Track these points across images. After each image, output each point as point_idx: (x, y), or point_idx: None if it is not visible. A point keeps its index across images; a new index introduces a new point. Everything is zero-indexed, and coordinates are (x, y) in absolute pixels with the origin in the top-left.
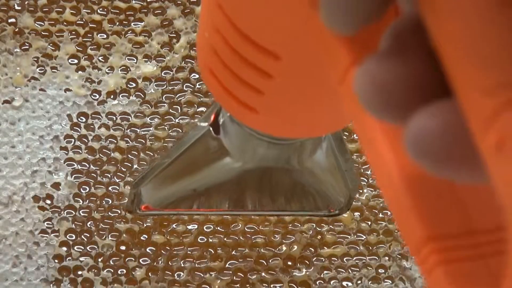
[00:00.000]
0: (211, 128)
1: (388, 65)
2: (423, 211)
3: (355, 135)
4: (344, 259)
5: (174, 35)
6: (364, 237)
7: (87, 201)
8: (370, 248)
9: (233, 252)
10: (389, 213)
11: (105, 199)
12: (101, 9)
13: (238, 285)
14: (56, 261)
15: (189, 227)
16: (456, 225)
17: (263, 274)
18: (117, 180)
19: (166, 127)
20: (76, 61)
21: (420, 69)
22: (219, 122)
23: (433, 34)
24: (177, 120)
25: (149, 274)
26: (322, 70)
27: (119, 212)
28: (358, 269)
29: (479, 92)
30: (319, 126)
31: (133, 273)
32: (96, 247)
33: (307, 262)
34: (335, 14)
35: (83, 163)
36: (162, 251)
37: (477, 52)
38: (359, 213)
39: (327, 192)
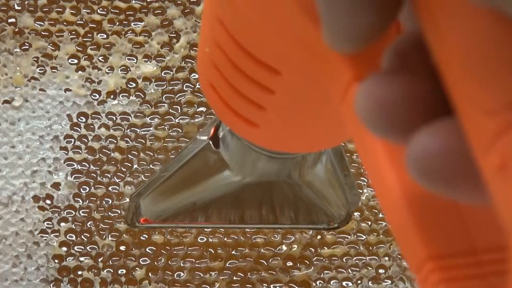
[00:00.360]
0: (210, 142)
1: (390, 83)
2: (425, 230)
3: None
4: (344, 259)
5: (174, 35)
6: (364, 237)
7: (87, 201)
8: (370, 248)
9: (233, 252)
10: None
11: (105, 199)
12: (101, 9)
13: (238, 285)
14: (56, 261)
15: None
16: (458, 244)
17: (263, 274)
18: (117, 180)
19: (166, 127)
20: (76, 61)
21: (422, 87)
22: (219, 136)
23: (435, 52)
24: (177, 120)
25: (149, 274)
26: (323, 85)
27: (119, 212)
28: (358, 269)
29: (481, 112)
30: (320, 141)
31: (133, 273)
32: (96, 247)
33: (307, 262)
34: (338, 34)
35: (83, 163)
36: (162, 251)
37: (480, 72)
38: (359, 213)
39: (327, 206)
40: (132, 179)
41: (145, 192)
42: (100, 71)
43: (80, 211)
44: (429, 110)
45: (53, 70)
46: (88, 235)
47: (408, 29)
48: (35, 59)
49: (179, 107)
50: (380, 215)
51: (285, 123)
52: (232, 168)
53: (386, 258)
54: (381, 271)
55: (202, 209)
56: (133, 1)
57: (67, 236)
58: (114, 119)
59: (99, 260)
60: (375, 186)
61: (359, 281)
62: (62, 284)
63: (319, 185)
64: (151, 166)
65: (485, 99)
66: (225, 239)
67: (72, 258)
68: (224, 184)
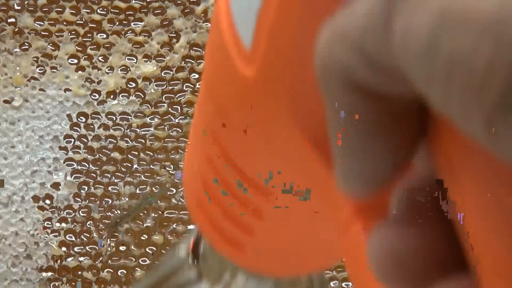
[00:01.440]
0: (189, 256)
1: (403, 234)
2: None
3: None
4: None
5: (174, 35)
6: None
7: (87, 201)
8: None
9: None
10: None
11: (105, 199)
12: (101, 9)
13: None
14: (56, 261)
15: (190, 227)
16: None
17: None
18: (117, 180)
19: (166, 127)
20: (76, 61)
21: (437, 240)
22: (199, 251)
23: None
24: (177, 120)
25: None
26: (319, 215)
27: (119, 212)
28: None
29: (499, 277)
30: (308, 267)
31: (133, 273)
32: (95, 247)
33: None
34: (352, 178)
35: (82, 163)
36: (162, 251)
37: (501, 233)
38: None
39: None
40: (132, 179)
41: None
42: (100, 71)
43: (80, 211)
44: (444, 263)
45: (53, 70)
46: (88, 235)
47: (419, 170)
48: (35, 59)
49: (179, 107)
50: None
51: (273, 249)
52: (211, 282)
53: None
54: None
55: None
56: (133, 1)
57: (67, 236)
58: (114, 119)
59: (99, 260)
60: None
61: None
62: (61, 284)
63: None
64: (151, 166)
65: (505, 263)
66: None
67: (72, 258)
68: None
